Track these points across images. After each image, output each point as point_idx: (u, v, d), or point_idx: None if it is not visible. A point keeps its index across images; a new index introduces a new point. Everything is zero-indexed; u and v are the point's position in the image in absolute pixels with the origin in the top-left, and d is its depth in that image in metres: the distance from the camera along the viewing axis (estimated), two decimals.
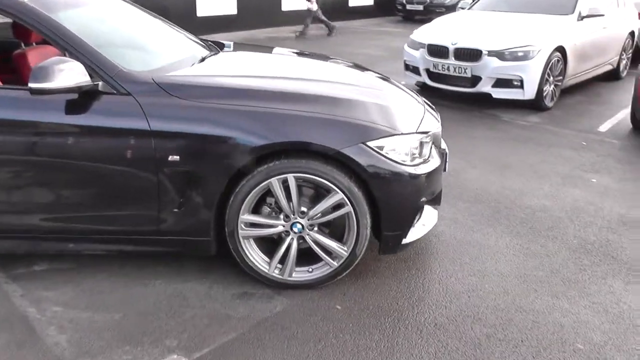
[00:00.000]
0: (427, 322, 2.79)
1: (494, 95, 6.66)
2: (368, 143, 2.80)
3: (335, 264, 2.97)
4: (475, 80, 6.69)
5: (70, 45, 2.77)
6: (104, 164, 2.79)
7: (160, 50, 3.51)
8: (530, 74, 6.54)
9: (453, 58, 6.78)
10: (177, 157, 2.75)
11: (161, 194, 2.83)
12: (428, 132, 3.10)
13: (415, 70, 7.32)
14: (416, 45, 7.26)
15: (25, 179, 2.88)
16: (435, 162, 3.09)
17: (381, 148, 2.82)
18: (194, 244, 2.96)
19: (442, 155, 3.25)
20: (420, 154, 3.00)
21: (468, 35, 6.89)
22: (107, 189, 2.85)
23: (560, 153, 5.38)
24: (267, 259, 3.01)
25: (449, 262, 3.37)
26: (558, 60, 6.85)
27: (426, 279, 3.17)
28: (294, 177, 2.79)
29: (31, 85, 2.59)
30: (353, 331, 2.71)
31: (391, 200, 2.88)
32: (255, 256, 2.98)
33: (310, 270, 3.01)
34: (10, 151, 2.81)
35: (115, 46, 3.19)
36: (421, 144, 3.00)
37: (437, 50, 6.94)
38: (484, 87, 6.66)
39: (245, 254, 2.95)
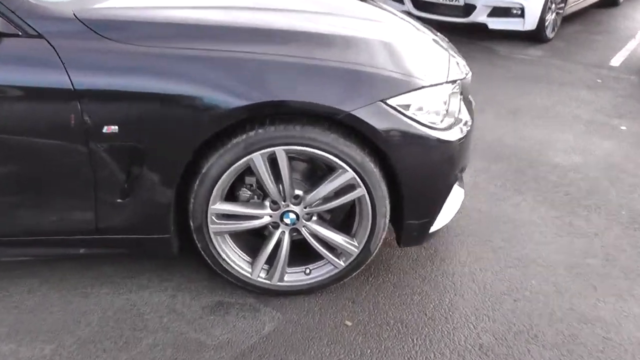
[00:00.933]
0: (469, 342, 2.08)
1: (490, 26, 5.84)
2: (389, 101, 1.97)
3: (342, 263, 2.20)
4: (468, 8, 5.83)
5: None
6: (10, 141, 1.90)
7: None
8: (532, 1, 5.72)
9: None
10: (115, 128, 1.88)
11: (98, 179, 1.97)
12: (457, 80, 2.30)
13: None
14: None
15: None
16: (467, 121, 2.30)
17: (406, 107, 2.01)
18: (148, 243, 2.13)
19: (471, 109, 2.46)
20: (449, 111, 2.21)
21: None
22: (20, 176, 1.97)
23: (575, 93, 4.66)
24: (248, 258, 2.22)
25: (479, 247, 2.64)
26: None
27: (456, 275, 2.45)
28: (285, 150, 1.96)
29: None
30: None
31: (418, 178, 2.09)
32: (233, 256, 2.19)
33: (308, 271, 2.24)
34: None
35: None
36: (450, 97, 2.20)
37: None
38: (479, 16, 5.82)
39: (219, 254, 2.15)
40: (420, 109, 2.05)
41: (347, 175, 2.01)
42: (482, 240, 2.69)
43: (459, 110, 2.26)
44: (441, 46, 2.48)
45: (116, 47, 1.85)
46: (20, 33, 1.83)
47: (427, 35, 2.54)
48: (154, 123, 1.89)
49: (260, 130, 1.93)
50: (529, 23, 5.80)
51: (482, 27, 5.87)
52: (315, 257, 2.23)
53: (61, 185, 1.99)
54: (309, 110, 1.92)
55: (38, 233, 2.08)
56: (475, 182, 3.21)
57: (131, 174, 1.96)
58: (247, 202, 2.14)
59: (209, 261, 2.18)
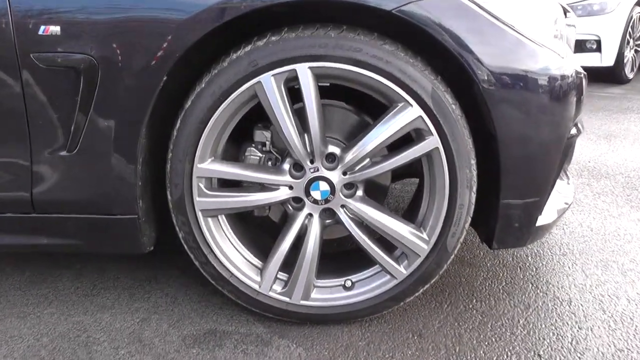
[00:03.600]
0: None
1: None
2: None
3: (403, 270, 1.40)
4: None
5: None
6: None
7: None
8: (609, 32, 5.02)
9: None
10: (55, 29, 1.22)
11: (32, 117, 1.29)
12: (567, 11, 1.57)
13: None
14: None
15: None
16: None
17: (501, 6, 1.28)
18: (106, 228, 1.39)
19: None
20: (562, 35, 1.47)
21: None
22: None
23: None
24: (257, 261, 1.45)
25: (600, 268, 1.79)
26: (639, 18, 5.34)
27: (575, 303, 1.59)
28: (312, 69, 1.24)
29: None
30: None
31: (523, 127, 1.31)
32: (232, 254, 1.42)
33: (349, 284, 1.44)
34: None
35: None
36: (558, 21, 1.47)
37: None
38: None
39: (210, 247, 1.39)
40: (522, 13, 1.31)
41: (411, 112, 1.26)
42: (602, 260, 1.84)
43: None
44: None
45: None
46: None
47: None
48: (112, 19, 1.22)
49: (273, 38, 1.23)
50: (607, 58, 5.07)
51: None
52: (360, 262, 1.44)
53: None
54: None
55: None
56: (577, 198, 2.38)
57: (80, 108, 1.27)
58: (255, 164, 1.40)
59: (194, 261, 1.42)
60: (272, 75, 1.23)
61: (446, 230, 1.36)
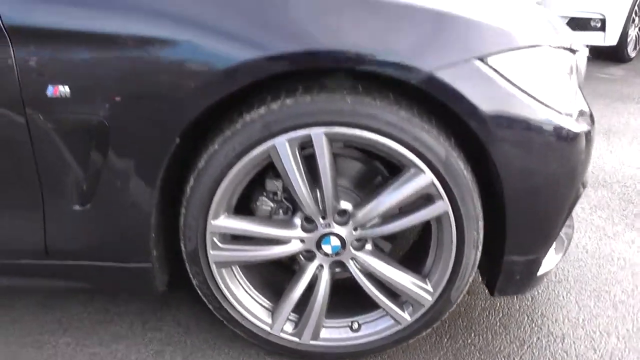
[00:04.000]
0: None
1: None
2: (490, 59, 1.25)
3: (408, 317, 1.46)
4: None
5: None
6: None
7: None
8: (614, 11, 4.96)
9: None
10: (65, 89, 1.21)
11: (43, 172, 1.30)
12: (577, 51, 1.57)
13: None
14: None
15: None
16: (587, 111, 1.57)
17: (517, 73, 1.29)
18: (120, 275, 1.44)
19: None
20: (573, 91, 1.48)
21: None
22: None
23: None
24: (268, 303, 1.50)
25: (594, 299, 1.86)
26: None
27: (568, 340, 1.66)
28: (327, 134, 1.25)
29: None
30: None
31: (531, 189, 1.34)
32: (244, 298, 1.47)
33: (356, 326, 1.51)
34: None
35: None
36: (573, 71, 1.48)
37: None
38: None
39: (223, 294, 1.44)
40: (536, 78, 1.32)
41: (423, 178, 1.29)
42: (596, 289, 1.90)
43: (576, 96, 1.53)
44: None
45: None
46: None
47: None
48: (123, 84, 1.21)
49: (288, 101, 1.24)
50: (610, 37, 5.02)
51: None
52: (367, 305, 1.50)
53: None
54: (367, 67, 1.21)
55: None
56: (574, 212, 2.42)
57: (92, 165, 1.28)
58: (267, 217, 1.43)
59: (208, 305, 1.47)
60: (287, 139, 1.25)
61: (451, 285, 1.41)
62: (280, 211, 1.43)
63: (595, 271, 2.00)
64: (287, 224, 1.40)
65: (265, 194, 1.43)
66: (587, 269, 2.01)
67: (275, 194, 1.43)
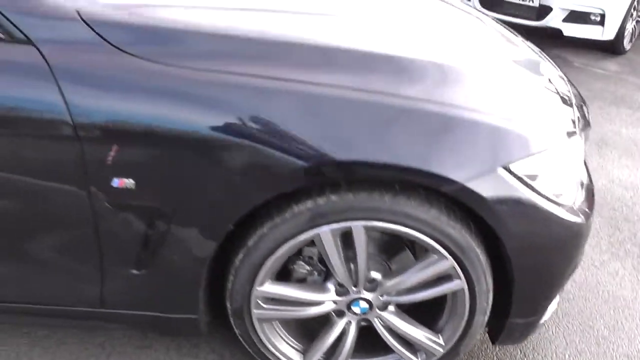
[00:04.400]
0: None
1: (566, 33, 5.18)
2: (512, 166, 1.42)
3: None
4: (543, 10, 5.17)
5: None
6: None
7: None
8: (615, 7, 5.06)
9: None
10: (130, 182, 1.35)
11: (104, 244, 1.45)
12: (587, 127, 1.74)
13: None
14: None
15: None
16: (588, 183, 1.76)
17: (533, 177, 1.46)
18: (169, 322, 1.62)
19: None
20: (579, 177, 1.67)
21: None
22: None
23: None
24: (300, 346, 1.71)
25: (579, 334, 2.09)
26: None
27: None
28: (365, 227, 1.43)
29: None
30: None
31: (535, 270, 1.55)
32: (280, 344, 1.68)
33: None
34: None
35: None
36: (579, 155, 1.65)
37: None
38: (554, 20, 5.16)
39: (263, 343, 1.64)
40: (547, 176, 1.49)
41: (446, 263, 1.47)
42: (581, 324, 2.14)
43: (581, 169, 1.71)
44: (553, 70, 1.91)
45: (137, 65, 1.32)
46: (1, 35, 1.31)
47: (531, 55, 1.95)
48: (187, 179, 1.36)
49: (333, 198, 1.40)
50: (608, 32, 5.14)
51: (555, 32, 5.21)
52: (385, 349, 1.70)
53: (54, 245, 1.48)
54: (410, 178, 1.38)
55: (28, 300, 1.58)
56: None
57: (150, 241, 1.44)
58: (304, 283, 1.62)
59: (248, 349, 1.67)
60: (330, 229, 1.42)
61: (461, 342, 1.62)
62: (315, 273, 1.61)
63: (581, 305, 2.23)
64: (322, 288, 1.58)
65: (301, 257, 1.61)
66: (575, 302, 2.24)
67: (311, 257, 1.60)
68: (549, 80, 1.79)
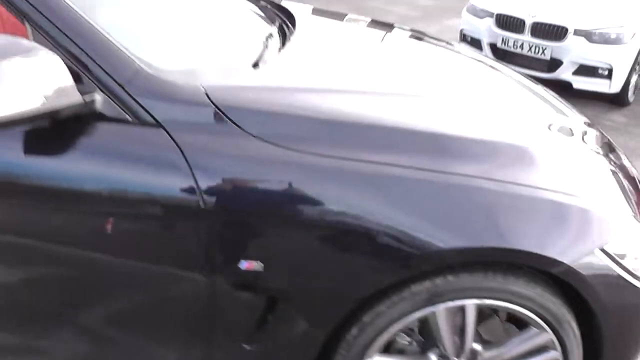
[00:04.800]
0: None
1: (575, 85, 5.40)
2: (607, 247, 1.56)
3: None
4: (554, 64, 5.39)
5: (39, 12, 1.34)
6: (105, 262, 1.46)
7: (195, 31, 1.91)
8: (621, 63, 5.30)
9: (529, 34, 5.44)
10: (259, 264, 1.43)
11: (218, 320, 1.53)
12: None
13: (475, 43, 5.94)
14: (479, 13, 5.87)
15: None
16: None
17: (622, 256, 1.59)
18: None
19: None
20: None
21: (550, 7, 5.54)
22: (106, 306, 1.55)
23: None
24: None
25: None
26: None
27: None
28: (478, 305, 1.54)
29: None
30: None
31: (622, 344, 1.69)
32: None
33: None
34: None
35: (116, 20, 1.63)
36: None
37: (509, 22, 5.57)
38: (564, 73, 5.38)
39: None
40: (632, 254, 1.63)
41: (545, 336, 1.59)
42: None
43: None
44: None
45: (271, 151, 1.41)
46: (129, 118, 1.39)
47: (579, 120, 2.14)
48: (314, 262, 1.46)
49: (450, 278, 1.51)
50: (615, 85, 5.38)
51: (565, 84, 5.44)
52: None
53: (163, 316, 1.54)
54: (528, 262, 1.51)
55: None
56: None
57: (268, 319, 1.53)
58: (406, 355, 1.71)
59: None
60: (445, 307, 1.52)
61: None
62: (415, 344, 1.71)
63: None
64: (425, 359, 1.68)
65: (402, 330, 1.70)
66: None
67: (412, 329, 1.70)
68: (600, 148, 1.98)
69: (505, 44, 5.63)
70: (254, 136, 1.40)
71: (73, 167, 1.38)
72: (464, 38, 6.12)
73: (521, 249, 1.46)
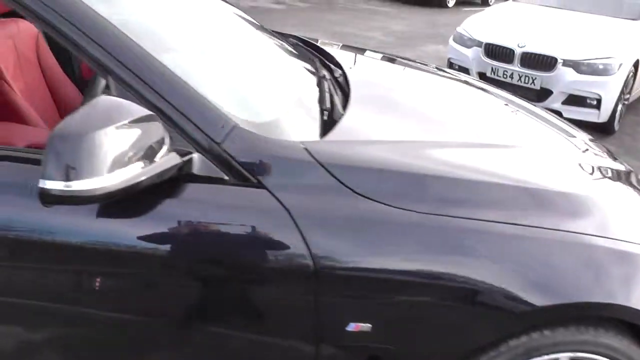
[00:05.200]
0: None
1: (565, 115, 5.53)
2: None
3: None
4: (544, 93, 5.56)
5: (130, 69, 1.32)
6: (201, 332, 1.43)
7: (275, 79, 1.91)
8: (609, 93, 5.49)
9: (519, 64, 5.60)
10: (367, 326, 1.41)
11: None
12: None
13: (463, 71, 6.07)
14: (467, 42, 6.02)
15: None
16: None
17: None
18: None
19: None
20: None
21: (539, 37, 5.72)
22: None
23: None
24: None
25: None
26: (632, 75, 5.84)
27: None
28: (571, 358, 1.55)
29: (45, 185, 1.13)
30: None
31: None
32: None
33: None
34: None
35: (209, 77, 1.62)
36: None
37: (498, 52, 5.73)
38: (554, 102, 5.54)
39: None
40: None
41: None
42: None
43: None
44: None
45: (379, 210, 1.38)
46: (226, 177, 1.36)
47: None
48: (420, 321, 1.45)
49: (546, 332, 1.51)
50: (604, 115, 5.56)
51: (555, 113, 5.58)
52: None
53: None
54: (615, 315, 1.52)
55: None
56: None
57: None
58: None
59: None
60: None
61: None
62: None
63: None
64: None
65: None
66: None
67: None
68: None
69: (494, 74, 5.77)
70: (362, 195, 1.39)
71: (166, 239, 1.35)
72: (451, 66, 6.24)
73: (619, 303, 1.48)
